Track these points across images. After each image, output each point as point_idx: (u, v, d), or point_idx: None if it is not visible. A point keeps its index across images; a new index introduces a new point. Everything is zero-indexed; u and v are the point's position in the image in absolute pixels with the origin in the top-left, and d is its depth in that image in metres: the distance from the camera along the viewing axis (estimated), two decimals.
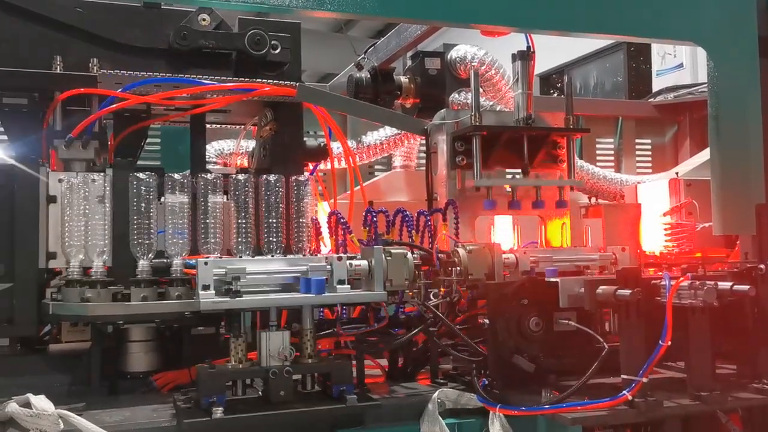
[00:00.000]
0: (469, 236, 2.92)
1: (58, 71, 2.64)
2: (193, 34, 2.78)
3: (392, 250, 2.40)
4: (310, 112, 3.04)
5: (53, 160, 2.60)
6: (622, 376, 2.11)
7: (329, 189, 3.39)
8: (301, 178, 2.63)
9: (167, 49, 2.81)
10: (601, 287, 2.18)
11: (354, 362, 2.45)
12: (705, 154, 3.65)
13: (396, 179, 4.62)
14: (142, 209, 2.41)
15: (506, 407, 2.17)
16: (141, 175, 2.44)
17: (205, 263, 2.16)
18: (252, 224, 2.51)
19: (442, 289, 2.54)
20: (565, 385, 2.18)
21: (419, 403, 2.28)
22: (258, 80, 2.82)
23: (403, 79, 3.97)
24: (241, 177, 2.53)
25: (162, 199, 2.46)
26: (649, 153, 5.88)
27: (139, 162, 2.93)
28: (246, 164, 3.69)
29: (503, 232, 3.06)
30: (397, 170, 4.80)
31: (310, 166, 3.28)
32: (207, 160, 3.78)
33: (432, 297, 2.53)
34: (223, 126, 3.71)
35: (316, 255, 2.55)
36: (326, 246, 2.77)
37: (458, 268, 2.50)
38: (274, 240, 2.52)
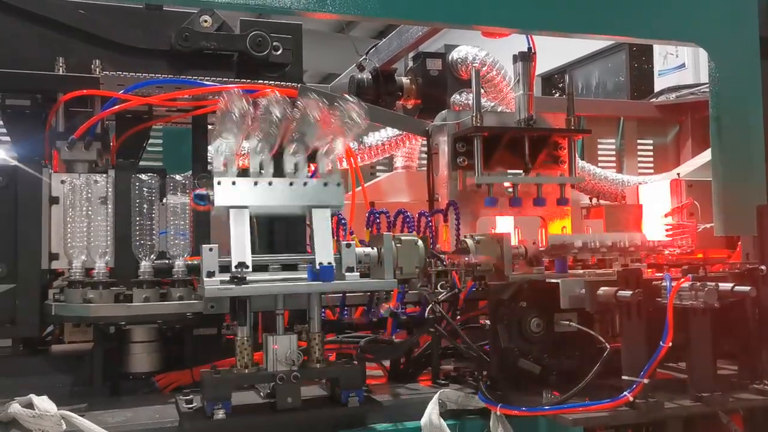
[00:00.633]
0: None
1: (60, 73, 2.65)
2: (195, 35, 2.78)
3: (402, 237, 2.34)
4: None
5: (55, 161, 2.61)
6: (623, 377, 2.11)
7: None
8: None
9: (169, 50, 2.81)
10: (601, 288, 2.18)
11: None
12: (706, 155, 3.65)
13: (397, 180, 4.62)
14: (144, 210, 2.41)
15: (507, 407, 2.17)
16: (143, 176, 2.44)
17: (210, 249, 2.12)
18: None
19: (455, 275, 2.51)
20: (567, 386, 2.18)
21: (421, 403, 2.28)
22: (260, 81, 2.83)
23: (405, 80, 3.98)
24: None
25: (164, 200, 2.47)
26: (651, 153, 5.87)
27: (141, 163, 2.94)
28: (247, 165, 3.68)
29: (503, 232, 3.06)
30: (398, 171, 4.80)
31: (312, 168, 3.28)
32: (209, 160, 3.79)
33: (439, 288, 2.51)
34: None
35: None
36: None
37: (466, 259, 2.49)
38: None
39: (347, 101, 2.16)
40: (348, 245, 2.24)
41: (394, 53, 4.53)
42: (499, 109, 4.07)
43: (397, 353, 2.62)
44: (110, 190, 2.45)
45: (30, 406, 2.01)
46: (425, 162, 3.22)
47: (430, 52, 4.14)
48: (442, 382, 2.57)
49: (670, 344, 2.03)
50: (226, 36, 2.85)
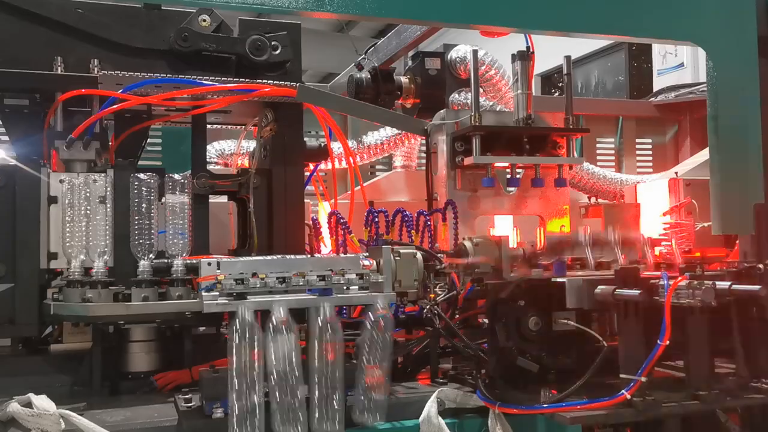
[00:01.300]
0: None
1: (59, 72, 2.65)
2: (194, 36, 2.78)
3: (401, 250, 2.36)
4: (310, 112, 3.05)
5: (54, 160, 2.61)
6: (621, 376, 2.12)
7: (330, 189, 3.40)
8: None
9: (168, 50, 2.81)
10: (599, 287, 2.18)
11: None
12: (704, 154, 3.65)
13: (396, 179, 4.63)
14: (143, 210, 2.42)
15: (506, 406, 2.17)
16: (142, 175, 2.45)
17: (209, 264, 2.13)
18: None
19: (454, 275, 2.51)
20: (565, 384, 2.18)
21: (419, 402, 2.29)
22: (258, 81, 2.83)
23: (404, 80, 3.98)
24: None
25: (163, 200, 2.47)
26: (650, 152, 5.88)
27: (140, 162, 2.94)
28: (247, 164, 3.70)
29: (502, 232, 3.06)
30: (397, 170, 4.81)
31: (311, 167, 3.29)
32: (208, 160, 3.80)
33: (438, 291, 2.51)
34: (224, 126, 3.72)
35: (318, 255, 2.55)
36: (326, 246, 2.78)
37: (465, 260, 2.49)
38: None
39: None
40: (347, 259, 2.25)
41: (393, 52, 4.53)
42: (497, 109, 4.07)
43: (394, 355, 2.61)
44: (109, 189, 2.45)
45: (29, 405, 2.01)
46: (424, 161, 3.23)
47: (429, 51, 4.15)
48: (441, 380, 2.58)
49: (668, 343, 2.03)
50: (226, 38, 2.85)
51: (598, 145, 5.73)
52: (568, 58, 3.10)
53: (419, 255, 2.38)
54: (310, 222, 3.04)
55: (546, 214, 3.09)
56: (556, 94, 10.20)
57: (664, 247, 3.09)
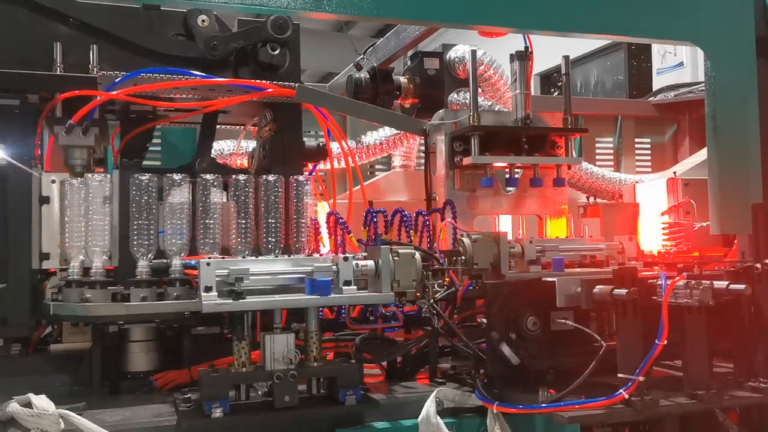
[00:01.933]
0: None
1: (58, 72, 2.65)
2: (221, 41, 2.79)
3: (399, 250, 2.36)
4: (309, 112, 3.06)
5: (47, 160, 2.61)
6: (619, 375, 2.12)
7: (329, 189, 3.41)
8: (301, 177, 2.63)
9: (166, 50, 2.82)
10: (597, 287, 2.19)
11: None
12: (703, 154, 3.66)
13: (396, 179, 4.63)
14: (143, 210, 2.42)
15: (504, 405, 2.18)
16: (142, 176, 2.45)
17: (207, 264, 2.14)
18: (252, 224, 2.51)
19: (446, 279, 2.53)
20: (564, 383, 2.19)
21: (418, 402, 2.29)
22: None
23: (402, 80, 3.98)
24: (241, 177, 2.53)
25: (162, 200, 2.47)
26: (649, 152, 5.87)
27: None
28: (246, 164, 3.70)
29: (503, 229, 3.07)
30: (396, 170, 4.81)
31: (310, 167, 3.30)
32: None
33: (437, 287, 2.51)
34: (224, 126, 3.72)
35: (318, 255, 2.55)
36: (325, 246, 2.78)
37: (463, 258, 2.49)
38: (273, 240, 2.52)
39: None
40: (345, 258, 2.26)
41: (392, 52, 4.53)
42: (496, 108, 4.07)
43: (393, 355, 2.62)
44: (114, 189, 2.46)
45: (28, 405, 2.02)
46: (423, 161, 3.23)
47: (427, 51, 4.14)
48: (440, 380, 2.58)
49: (666, 342, 2.04)
50: (249, 30, 2.85)
51: (597, 145, 5.73)
52: (566, 57, 3.10)
53: (418, 255, 2.38)
54: (310, 222, 3.04)
55: (545, 214, 3.10)
56: (556, 93, 10.21)
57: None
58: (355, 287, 2.26)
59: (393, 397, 2.41)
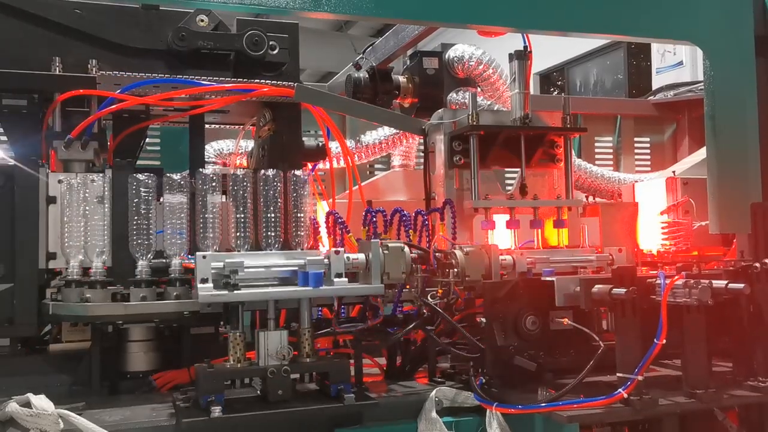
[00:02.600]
0: (466, 236, 2.93)
1: (57, 72, 2.66)
2: (192, 35, 2.79)
3: (389, 244, 2.41)
4: (309, 111, 3.06)
5: (53, 160, 2.62)
6: (618, 374, 2.12)
7: (328, 189, 3.41)
8: (299, 173, 2.63)
9: (166, 50, 2.82)
10: (596, 286, 2.19)
11: (352, 361, 2.46)
12: (702, 153, 3.66)
13: (395, 179, 4.63)
14: (141, 210, 2.42)
15: (503, 405, 2.18)
16: (140, 175, 2.45)
17: (204, 257, 2.19)
18: (250, 220, 2.51)
19: (439, 291, 2.55)
20: (562, 383, 2.19)
21: (417, 401, 2.30)
22: (256, 81, 2.83)
23: (402, 79, 3.98)
24: (239, 172, 2.52)
25: (161, 200, 2.47)
26: (648, 151, 5.88)
27: (139, 162, 2.95)
28: (245, 164, 3.71)
29: (500, 232, 3.06)
30: (395, 170, 4.81)
31: (309, 166, 3.30)
32: (206, 160, 3.80)
33: (430, 298, 2.54)
34: (223, 126, 3.73)
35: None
36: (324, 246, 2.78)
37: (455, 270, 2.51)
38: (273, 235, 2.51)
39: None
40: (337, 251, 2.31)
41: (391, 52, 4.53)
42: (495, 108, 4.08)
43: (391, 341, 2.62)
44: (107, 189, 2.46)
45: (28, 405, 2.02)
46: (422, 161, 3.23)
47: (426, 50, 4.15)
48: (439, 379, 2.58)
49: (665, 341, 2.04)
50: (223, 35, 2.86)
51: (596, 144, 5.74)
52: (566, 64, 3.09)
53: (407, 249, 2.43)
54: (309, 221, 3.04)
55: (544, 214, 3.09)
56: (555, 92, 10.21)
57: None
58: (347, 279, 2.30)
59: (392, 396, 2.42)
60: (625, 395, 2.07)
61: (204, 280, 2.16)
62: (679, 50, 8.55)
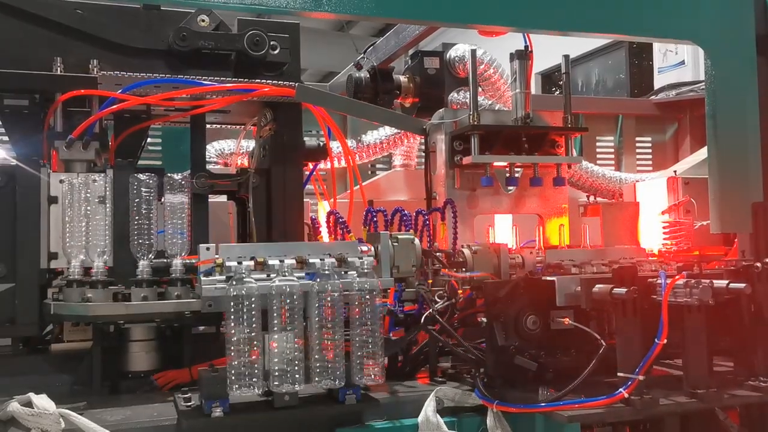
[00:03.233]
0: (468, 235, 2.94)
1: (58, 73, 2.66)
2: (192, 35, 2.79)
3: (399, 236, 2.36)
4: (310, 111, 3.06)
5: (54, 160, 2.62)
6: (619, 374, 2.12)
7: (329, 188, 3.41)
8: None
9: (167, 50, 2.82)
10: (597, 286, 2.19)
11: None
12: (704, 153, 3.66)
13: (396, 178, 4.64)
14: (143, 210, 2.42)
15: (504, 404, 2.18)
16: (141, 175, 2.45)
17: (207, 248, 2.14)
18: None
19: (449, 286, 2.54)
20: (563, 383, 2.19)
21: (418, 401, 2.29)
22: (257, 81, 2.83)
23: (403, 79, 3.98)
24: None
25: (162, 200, 2.48)
26: (650, 151, 5.88)
27: (140, 162, 2.95)
28: (246, 164, 3.71)
29: (502, 231, 3.07)
30: (396, 169, 4.82)
31: (310, 166, 3.30)
32: (207, 160, 3.80)
33: (437, 298, 2.53)
34: (224, 126, 3.73)
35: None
36: None
37: (463, 269, 2.50)
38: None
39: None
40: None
41: (392, 52, 4.53)
42: (496, 108, 4.08)
43: (392, 350, 2.62)
44: (108, 189, 2.46)
45: (29, 404, 2.02)
46: (423, 160, 3.23)
47: (427, 50, 4.15)
48: (440, 379, 2.58)
49: (666, 341, 2.04)
50: (224, 35, 2.86)
51: (597, 144, 5.74)
52: (566, 57, 3.10)
53: (417, 241, 2.38)
54: (309, 221, 3.05)
55: (545, 213, 3.10)
56: (557, 92, 10.21)
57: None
58: (355, 273, 2.23)
59: (393, 396, 2.41)
60: (626, 395, 2.07)
61: (208, 273, 2.11)
62: (680, 50, 8.54)
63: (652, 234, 3.25)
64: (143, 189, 2.43)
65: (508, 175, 2.97)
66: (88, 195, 2.44)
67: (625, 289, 2.10)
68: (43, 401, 2.03)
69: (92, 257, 2.40)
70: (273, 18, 3.04)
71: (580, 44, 9.84)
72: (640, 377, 2.07)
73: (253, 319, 2.04)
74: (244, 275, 2.10)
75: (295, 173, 2.96)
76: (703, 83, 3.05)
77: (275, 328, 2.11)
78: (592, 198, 3.48)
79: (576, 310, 2.32)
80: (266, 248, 2.22)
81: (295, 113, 3.00)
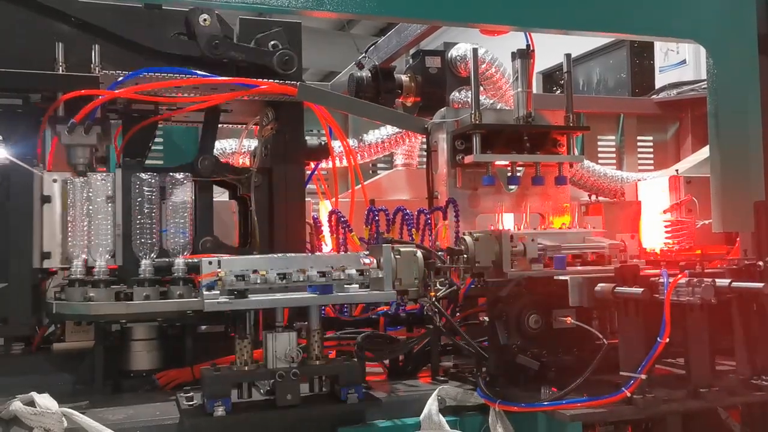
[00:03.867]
0: None
1: (60, 72, 2.66)
2: (225, 44, 2.78)
3: (401, 248, 2.35)
4: (311, 110, 3.06)
5: (49, 160, 2.62)
6: (621, 373, 2.12)
7: (331, 188, 3.41)
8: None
9: (168, 49, 2.82)
10: (599, 285, 2.19)
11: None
12: (705, 152, 3.66)
13: (397, 178, 4.63)
14: (146, 209, 2.42)
15: (506, 403, 2.18)
16: (144, 175, 2.45)
17: (210, 262, 2.14)
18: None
19: (454, 272, 2.52)
20: (565, 382, 2.19)
21: (420, 400, 2.29)
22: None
23: (404, 78, 3.98)
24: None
25: (165, 199, 2.47)
26: (651, 150, 5.87)
27: None
28: (248, 163, 3.71)
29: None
30: (398, 169, 4.81)
31: (312, 165, 3.30)
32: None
33: (438, 285, 2.51)
34: (226, 125, 3.73)
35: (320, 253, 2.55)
36: (327, 245, 2.78)
37: (465, 256, 2.49)
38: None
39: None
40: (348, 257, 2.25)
41: (394, 51, 4.53)
42: (498, 107, 4.07)
43: (395, 353, 2.62)
44: (116, 188, 2.46)
45: (31, 403, 2.02)
46: (425, 160, 3.23)
47: (429, 49, 4.15)
48: (442, 378, 2.58)
49: (668, 340, 2.04)
50: (256, 50, 2.85)
51: (599, 143, 5.72)
52: (568, 56, 3.10)
53: (419, 253, 2.37)
54: (311, 220, 3.05)
55: (547, 212, 3.09)
56: (558, 91, 10.19)
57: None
58: (357, 286, 2.26)
59: (395, 395, 2.42)
60: (629, 394, 2.07)
61: (210, 287, 2.11)
62: (682, 49, 8.52)
63: (654, 233, 3.25)
64: (146, 188, 2.43)
65: (509, 174, 2.97)
66: (92, 194, 2.44)
67: (627, 288, 2.10)
68: (45, 400, 2.03)
69: (95, 256, 2.40)
70: (275, 17, 3.04)
71: (581, 43, 9.83)
72: (643, 376, 2.07)
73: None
74: (246, 290, 2.11)
75: (297, 172, 2.96)
76: (705, 82, 3.05)
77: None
78: (593, 197, 3.48)
79: (578, 309, 2.32)
80: (268, 261, 2.23)
81: (297, 112, 3.00)
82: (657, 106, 5.90)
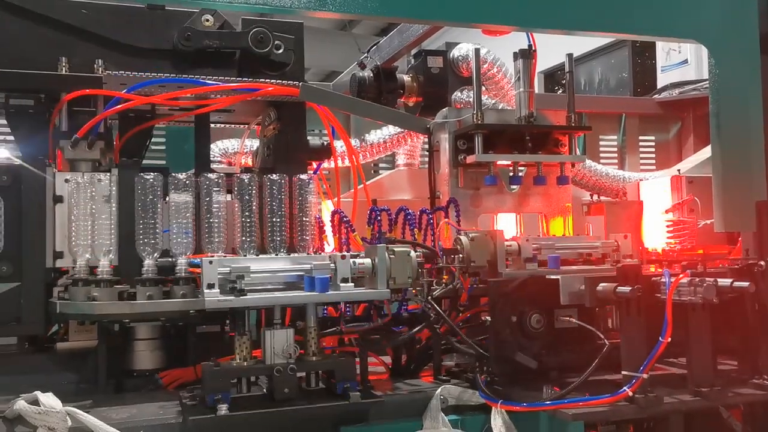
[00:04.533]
0: None
1: (63, 72, 2.67)
2: (197, 34, 2.80)
3: (395, 248, 2.40)
4: (313, 110, 3.06)
5: (59, 160, 2.63)
6: (623, 373, 2.13)
7: (333, 187, 3.41)
8: (304, 176, 2.65)
9: (171, 49, 2.83)
10: (601, 284, 2.19)
11: (357, 359, 2.47)
12: (707, 151, 3.66)
13: (399, 177, 4.63)
14: (148, 209, 2.43)
15: (508, 403, 2.19)
16: (146, 175, 2.46)
17: (210, 262, 2.18)
18: (256, 223, 2.53)
19: (445, 276, 2.55)
20: (567, 381, 2.20)
21: (422, 399, 2.30)
22: (261, 80, 2.84)
23: (406, 78, 3.99)
24: (245, 176, 2.55)
25: (167, 199, 2.48)
26: (653, 150, 5.87)
27: (144, 162, 2.95)
28: (250, 163, 3.71)
29: (505, 229, 3.07)
30: (400, 169, 4.81)
31: (314, 165, 3.31)
32: (212, 159, 3.81)
33: (435, 285, 2.54)
34: (228, 125, 3.74)
35: (320, 253, 2.57)
36: (329, 245, 2.79)
37: (460, 256, 2.52)
38: (278, 239, 2.52)
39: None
40: (343, 256, 2.32)
41: (396, 51, 4.52)
42: (500, 107, 4.08)
43: (397, 342, 2.63)
44: (114, 188, 2.47)
45: (36, 402, 2.03)
46: (427, 160, 3.24)
47: (431, 49, 4.15)
48: (444, 378, 2.59)
49: (670, 340, 2.04)
50: (228, 33, 2.86)
51: (600, 143, 5.72)
52: (570, 56, 3.10)
53: (413, 253, 2.42)
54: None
55: (548, 212, 3.10)
56: (560, 91, 10.19)
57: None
58: (353, 284, 2.30)
59: (397, 394, 2.42)
60: (630, 393, 2.07)
61: (211, 286, 2.16)
62: (684, 48, 8.52)
63: (656, 233, 3.25)
64: (148, 188, 2.44)
65: (511, 174, 2.98)
66: (94, 194, 2.45)
67: (629, 288, 2.11)
68: (49, 399, 2.04)
69: (98, 256, 2.41)
70: (277, 17, 3.04)
71: (582, 43, 9.83)
72: (644, 375, 2.07)
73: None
74: (245, 288, 2.17)
75: (299, 172, 2.96)
76: (707, 82, 3.05)
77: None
78: (595, 197, 3.48)
79: (580, 309, 2.32)
80: (267, 261, 2.31)
81: (299, 112, 3.01)
82: (659, 106, 5.90)
